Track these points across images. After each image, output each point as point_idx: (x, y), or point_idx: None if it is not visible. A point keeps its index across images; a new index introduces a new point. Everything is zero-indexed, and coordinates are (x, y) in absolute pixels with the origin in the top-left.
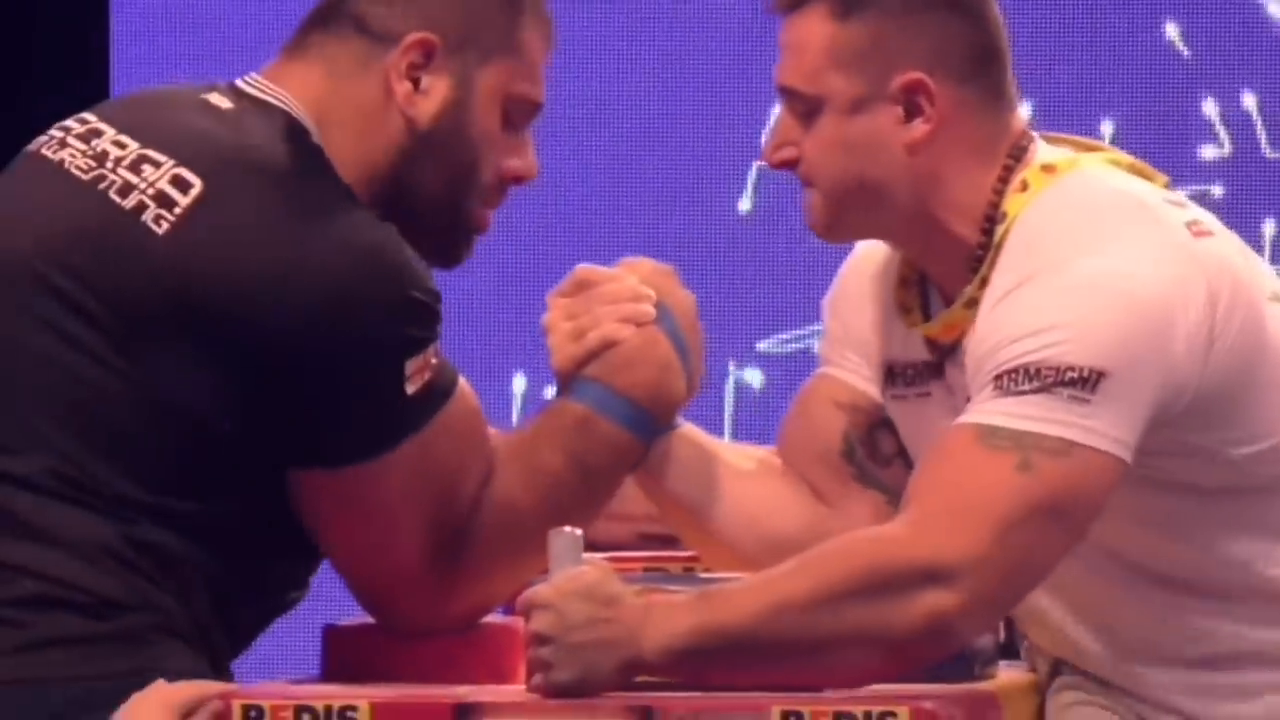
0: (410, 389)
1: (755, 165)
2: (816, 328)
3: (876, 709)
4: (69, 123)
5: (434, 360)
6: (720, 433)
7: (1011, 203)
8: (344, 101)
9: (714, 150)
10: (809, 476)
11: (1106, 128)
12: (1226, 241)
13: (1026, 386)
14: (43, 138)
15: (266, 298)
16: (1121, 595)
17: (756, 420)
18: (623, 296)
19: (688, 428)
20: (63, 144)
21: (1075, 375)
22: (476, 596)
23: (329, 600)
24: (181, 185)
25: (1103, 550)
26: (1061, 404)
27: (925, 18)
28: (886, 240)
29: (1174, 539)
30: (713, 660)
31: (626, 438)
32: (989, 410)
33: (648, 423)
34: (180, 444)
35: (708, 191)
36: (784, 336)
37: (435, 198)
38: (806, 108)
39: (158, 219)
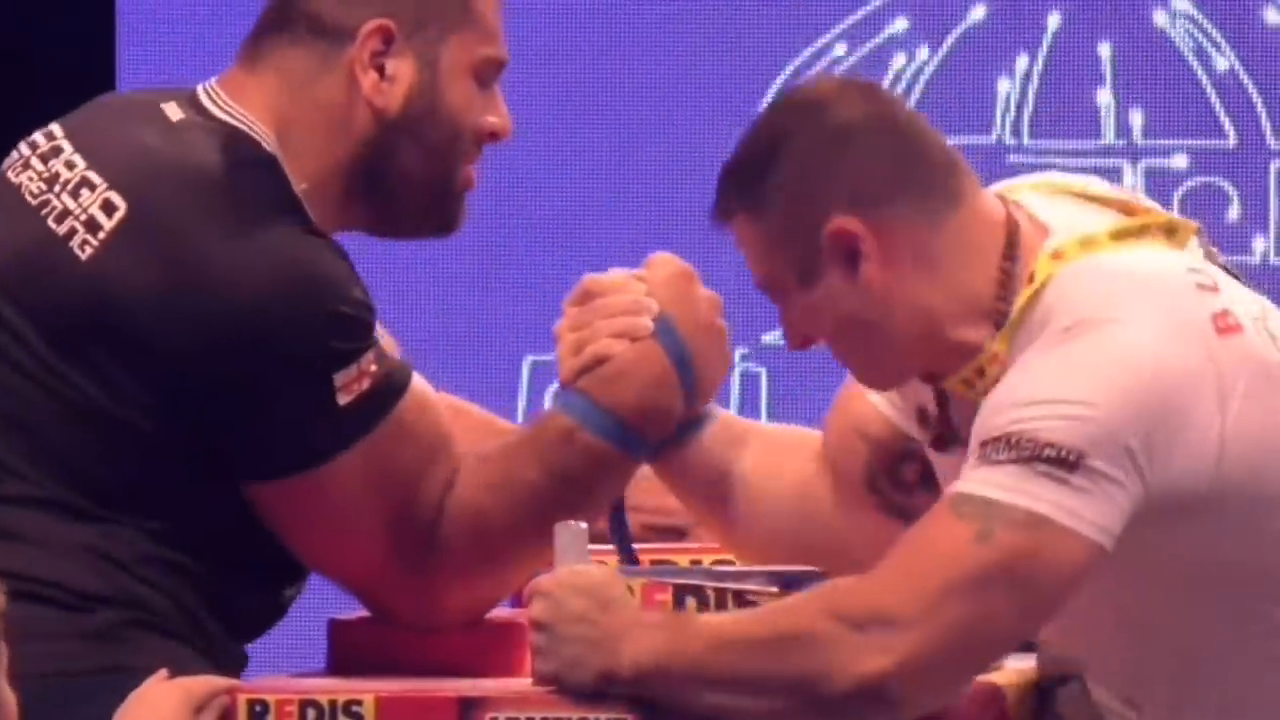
0: (343, 400)
1: None
2: None
3: None
4: (37, 138)
5: (372, 368)
6: None
7: (1022, 295)
8: (308, 106)
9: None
10: (838, 488)
11: (1053, 20)
12: (1257, 337)
13: (1004, 456)
14: (13, 155)
15: (182, 318)
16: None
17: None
18: (620, 310)
19: (725, 419)
20: (26, 164)
21: (1054, 453)
22: (460, 597)
23: (335, 593)
24: (109, 209)
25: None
26: (1036, 478)
27: (824, 170)
28: (936, 370)
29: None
30: (671, 684)
31: (607, 450)
32: (968, 478)
33: (632, 436)
34: (122, 454)
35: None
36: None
37: (420, 177)
38: (776, 295)
39: (83, 244)
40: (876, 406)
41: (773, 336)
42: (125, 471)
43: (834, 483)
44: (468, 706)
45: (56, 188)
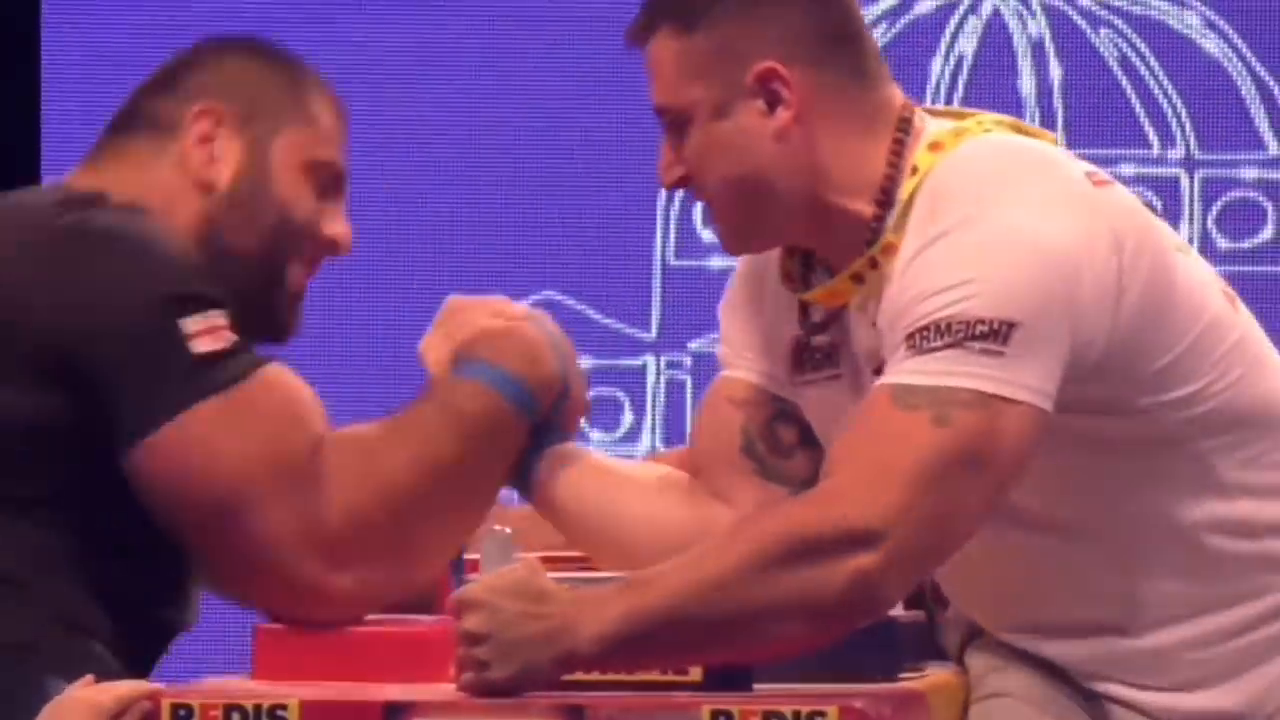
0: (198, 349)
1: None
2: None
3: (806, 708)
4: None
5: (228, 334)
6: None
7: (906, 185)
8: (150, 190)
9: None
10: (714, 477)
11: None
12: (1126, 192)
13: (938, 343)
14: None
15: (31, 302)
16: (1020, 552)
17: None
18: (491, 304)
19: (572, 445)
20: None
21: (986, 328)
22: (358, 554)
23: None
24: None
25: (1003, 508)
26: (974, 357)
27: (767, 11)
28: (791, 239)
29: (1075, 492)
30: (646, 644)
31: (495, 396)
32: (903, 370)
33: (518, 388)
34: (13, 450)
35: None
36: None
37: (250, 259)
38: (678, 123)
39: None
40: (743, 377)
41: (698, 344)
42: (25, 467)
43: (709, 469)
44: (393, 712)
45: None
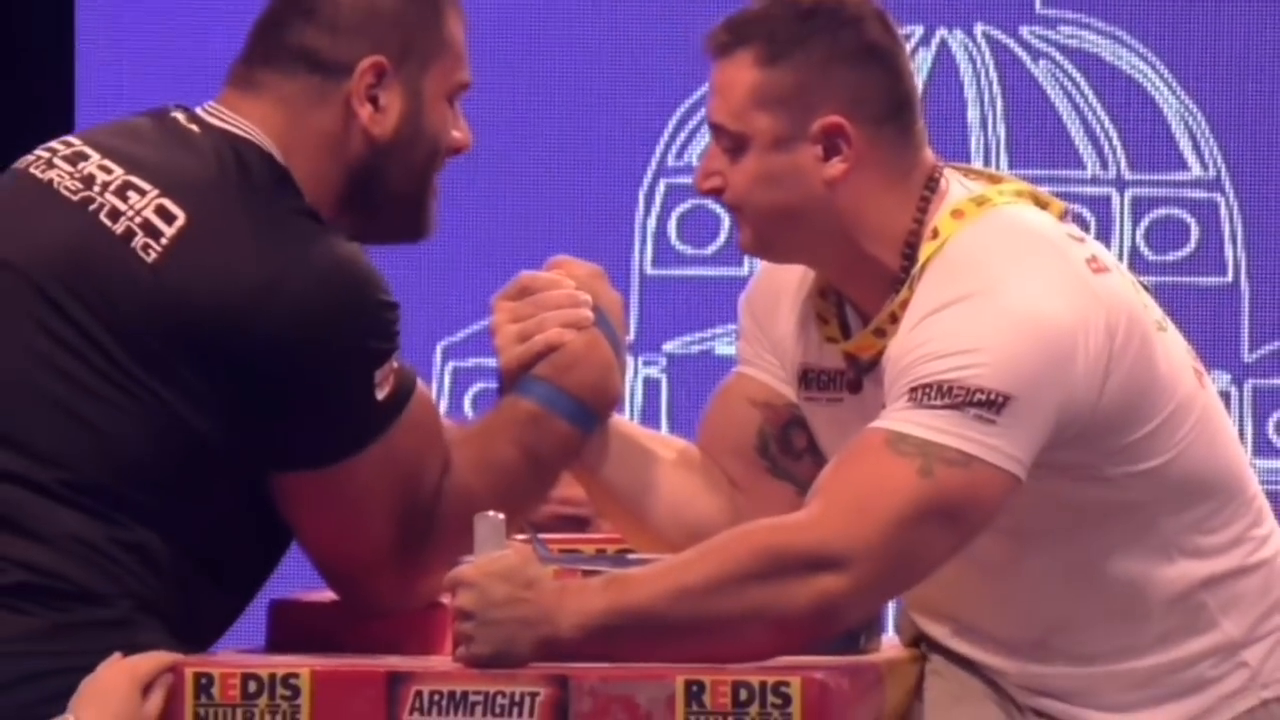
0: (380, 395)
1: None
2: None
3: (772, 679)
4: (54, 144)
5: (395, 365)
6: None
7: (926, 247)
8: (308, 133)
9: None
10: (725, 468)
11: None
12: (1121, 276)
13: (938, 402)
14: (29, 157)
15: (247, 319)
16: (975, 564)
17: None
18: (564, 302)
19: (618, 420)
20: (50, 164)
21: (984, 397)
22: (435, 579)
23: (275, 577)
24: (166, 216)
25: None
26: (968, 421)
27: (845, 67)
28: (811, 264)
29: (1032, 536)
30: (622, 639)
31: (572, 431)
32: (901, 419)
33: (591, 418)
34: (166, 447)
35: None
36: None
37: (404, 192)
38: (733, 144)
39: (146, 247)
40: (760, 379)
41: (671, 345)
42: (171, 471)
43: (723, 459)
44: (396, 680)
45: (96, 187)
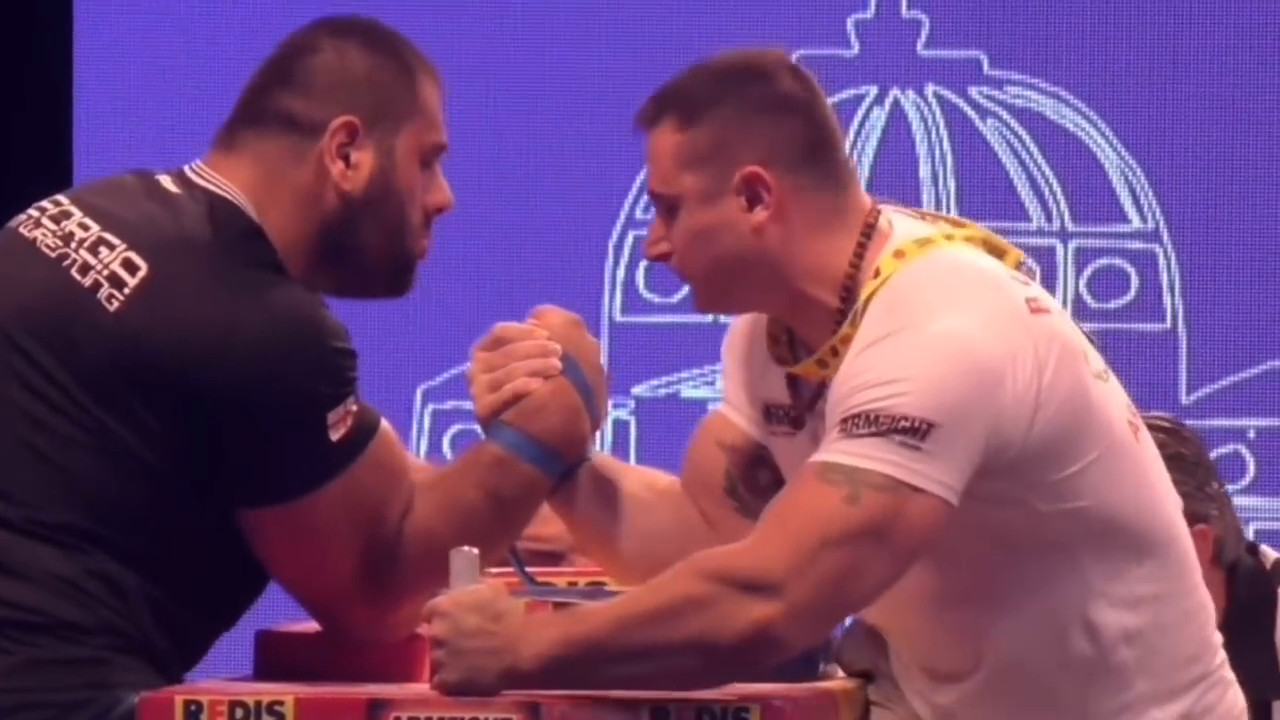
0: (334, 436)
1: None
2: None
3: (733, 705)
4: (45, 204)
5: (353, 408)
6: None
7: (869, 285)
8: (284, 189)
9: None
10: (700, 505)
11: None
12: (1061, 319)
13: (864, 430)
14: (22, 216)
15: (201, 361)
16: (912, 599)
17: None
18: (533, 352)
19: (600, 457)
20: (37, 223)
21: (908, 424)
22: (407, 612)
23: (261, 607)
24: (130, 268)
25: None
26: (894, 447)
27: (759, 118)
28: (761, 310)
29: (964, 568)
30: (575, 668)
31: (537, 475)
32: (832, 450)
33: (556, 461)
34: (127, 484)
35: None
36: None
37: (379, 248)
38: (668, 207)
39: (110, 297)
40: (729, 418)
41: (641, 388)
42: (135, 505)
43: (698, 498)
44: (375, 707)
45: (73, 244)
